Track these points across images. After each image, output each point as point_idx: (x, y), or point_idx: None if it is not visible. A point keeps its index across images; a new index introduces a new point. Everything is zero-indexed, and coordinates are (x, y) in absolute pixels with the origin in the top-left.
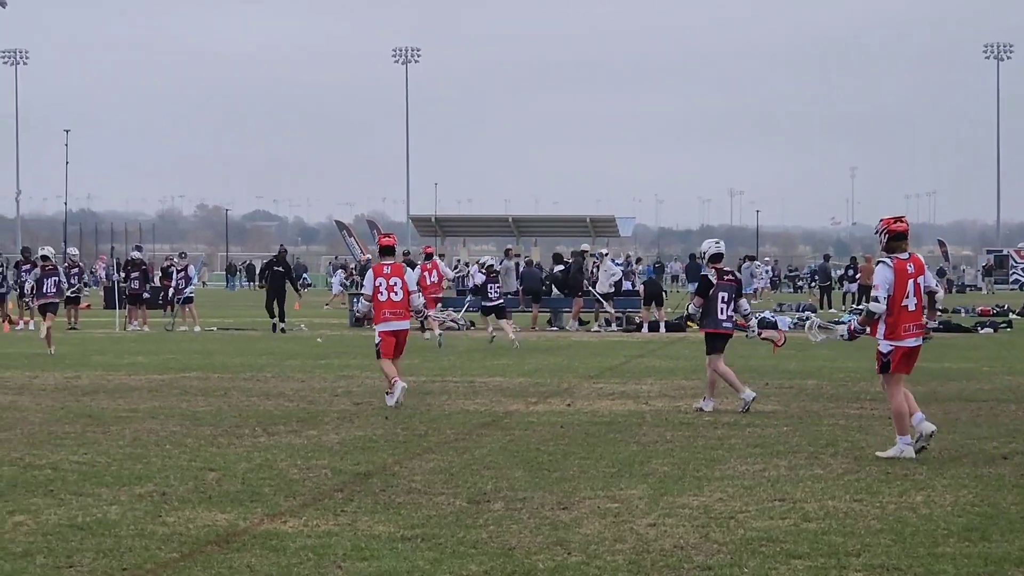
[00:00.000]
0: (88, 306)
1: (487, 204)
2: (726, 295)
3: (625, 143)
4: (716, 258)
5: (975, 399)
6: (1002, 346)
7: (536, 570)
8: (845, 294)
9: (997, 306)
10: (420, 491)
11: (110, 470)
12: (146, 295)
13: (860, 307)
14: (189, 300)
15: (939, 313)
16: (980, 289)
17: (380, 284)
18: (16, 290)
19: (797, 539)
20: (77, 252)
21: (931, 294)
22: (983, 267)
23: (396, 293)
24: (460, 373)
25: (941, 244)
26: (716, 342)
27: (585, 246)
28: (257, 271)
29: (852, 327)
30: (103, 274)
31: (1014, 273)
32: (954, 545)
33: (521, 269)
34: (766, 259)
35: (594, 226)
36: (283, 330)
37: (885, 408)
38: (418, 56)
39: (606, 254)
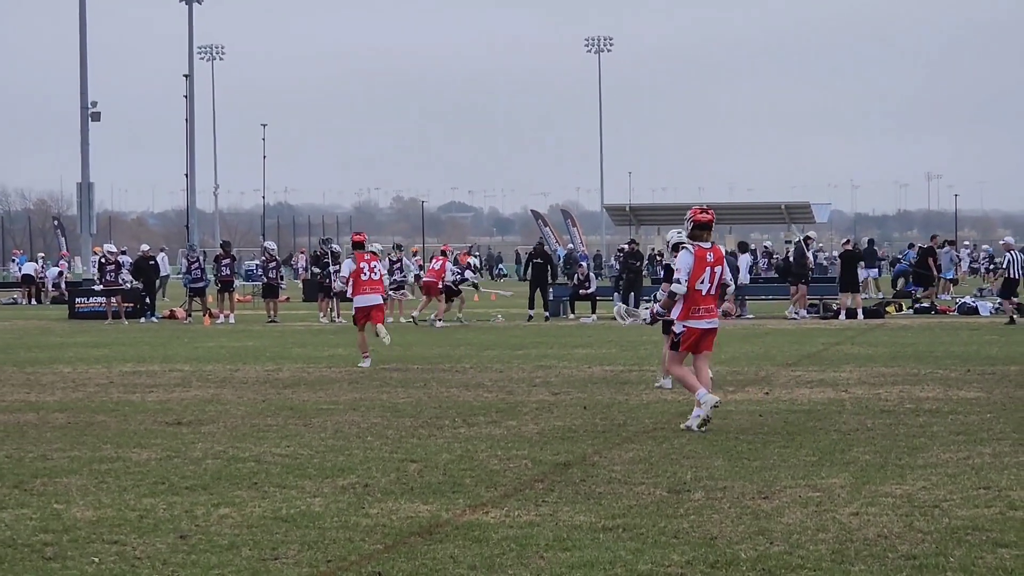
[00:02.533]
0: (287, 299)
1: (681, 192)
2: None
3: (820, 128)
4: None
5: None
6: None
7: (739, 560)
8: None
9: None
10: (620, 481)
11: (313, 462)
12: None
13: None
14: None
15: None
16: None
17: (364, 267)
18: (217, 283)
19: (1003, 527)
20: (275, 246)
21: (724, 286)
22: None
23: (375, 273)
24: (657, 362)
25: None
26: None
27: (811, 233)
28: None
29: (655, 310)
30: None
31: None
32: None
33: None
34: (965, 243)
35: (789, 213)
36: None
37: None
38: (611, 45)
39: (813, 237)
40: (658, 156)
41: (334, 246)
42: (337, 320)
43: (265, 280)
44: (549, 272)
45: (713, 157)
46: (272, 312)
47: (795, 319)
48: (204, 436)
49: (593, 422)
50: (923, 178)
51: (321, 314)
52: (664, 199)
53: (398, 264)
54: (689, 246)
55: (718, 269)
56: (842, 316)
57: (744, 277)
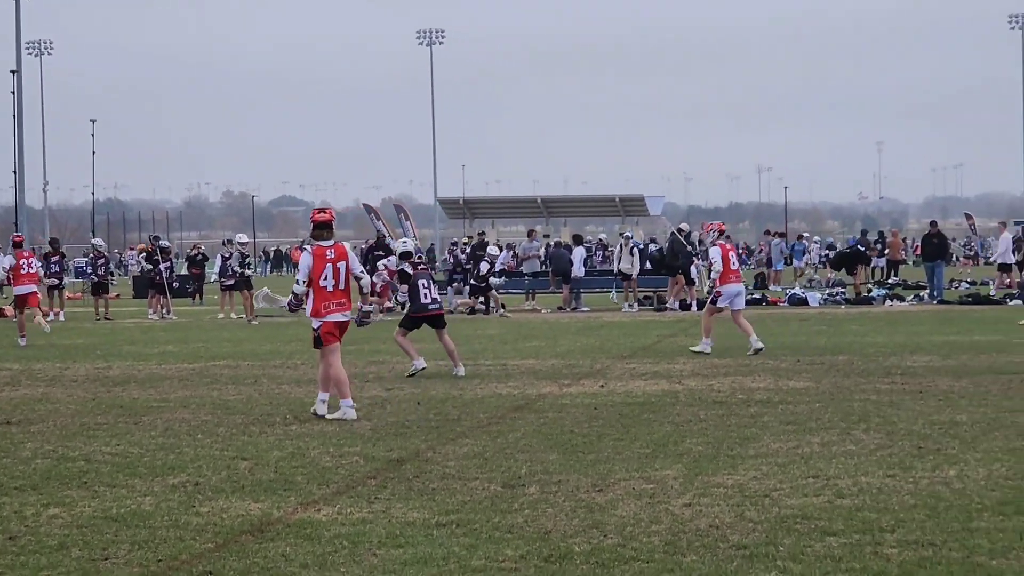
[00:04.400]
0: (117, 296)
1: (515, 186)
2: (425, 282)
3: (653, 123)
4: (406, 255)
5: (1006, 371)
6: None
7: (572, 553)
8: (874, 268)
9: None
10: (454, 476)
11: (143, 461)
12: (176, 284)
13: (889, 281)
14: (233, 287)
15: (374, 297)
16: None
17: (23, 263)
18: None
19: (832, 516)
20: (103, 243)
21: (357, 279)
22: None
23: (32, 268)
24: (492, 356)
25: (968, 217)
26: (417, 322)
27: (683, 225)
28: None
29: (290, 302)
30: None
31: None
32: (988, 519)
33: (550, 251)
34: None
35: (623, 206)
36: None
37: (916, 382)
38: (443, 37)
39: (631, 236)
40: (492, 149)
41: (163, 242)
42: (168, 316)
43: (95, 277)
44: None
45: (548, 150)
46: (103, 310)
47: (675, 310)
48: (33, 435)
49: (427, 417)
50: (754, 171)
51: (151, 311)
52: (498, 192)
53: (229, 259)
54: (308, 247)
55: (341, 265)
56: (675, 307)
57: (579, 270)
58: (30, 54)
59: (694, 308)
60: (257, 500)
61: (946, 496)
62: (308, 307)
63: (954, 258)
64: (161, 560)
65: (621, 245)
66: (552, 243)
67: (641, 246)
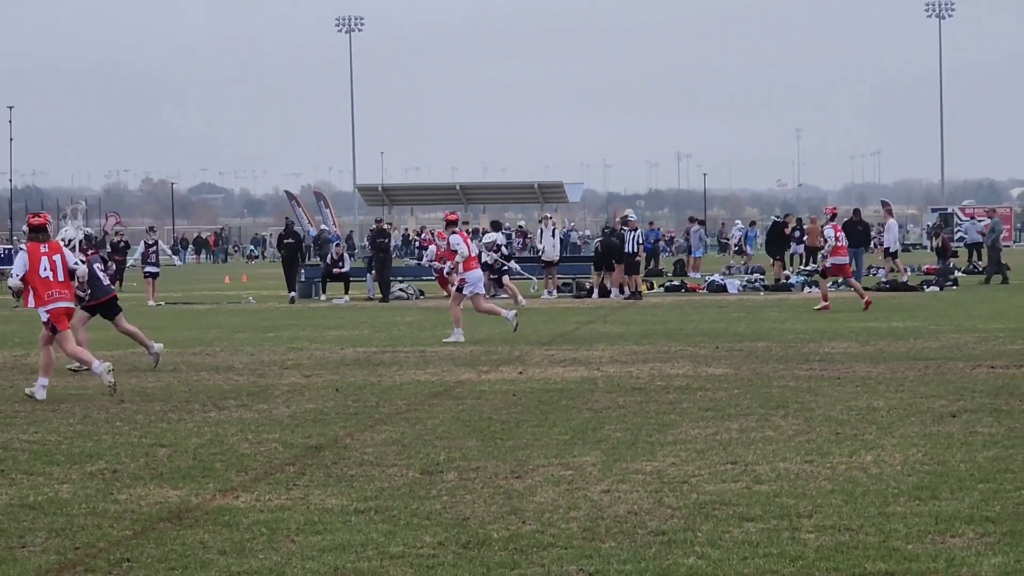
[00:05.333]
0: None
1: (434, 173)
2: (100, 265)
3: (572, 109)
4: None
5: (922, 357)
6: (948, 304)
7: (491, 540)
8: (792, 255)
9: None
10: (372, 463)
11: (61, 448)
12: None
13: (808, 268)
14: (155, 275)
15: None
16: (925, 248)
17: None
18: None
19: (749, 502)
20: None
21: (72, 271)
22: (929, 226)
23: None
24: (411, 343)
25: (884, 204)
26: (94, 310)
27: (629, 211)
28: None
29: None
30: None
31: (959, 231)
32: (904, 504)
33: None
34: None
35: (542, 192)
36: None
37: (834, 369)
38: (361, 24)
39: (551, 218)
40: (411, 136)
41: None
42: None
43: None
44: (300, 253)
45: (467, 137)
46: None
47: (549, 298)
48: None
49: (345, 404)
50: (673, 158)
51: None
52: (417, 179)
53: (153, 247)
54: (23, 245)
55: (56, 258)
56: (595, 294)
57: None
58: None
59: (614, 294)
60: (175, 487)
61: (863, 481)
62: (32, 300)
63: (872, 245)
64: (79, 548)
65: (542, 231)
66: (471, 230)
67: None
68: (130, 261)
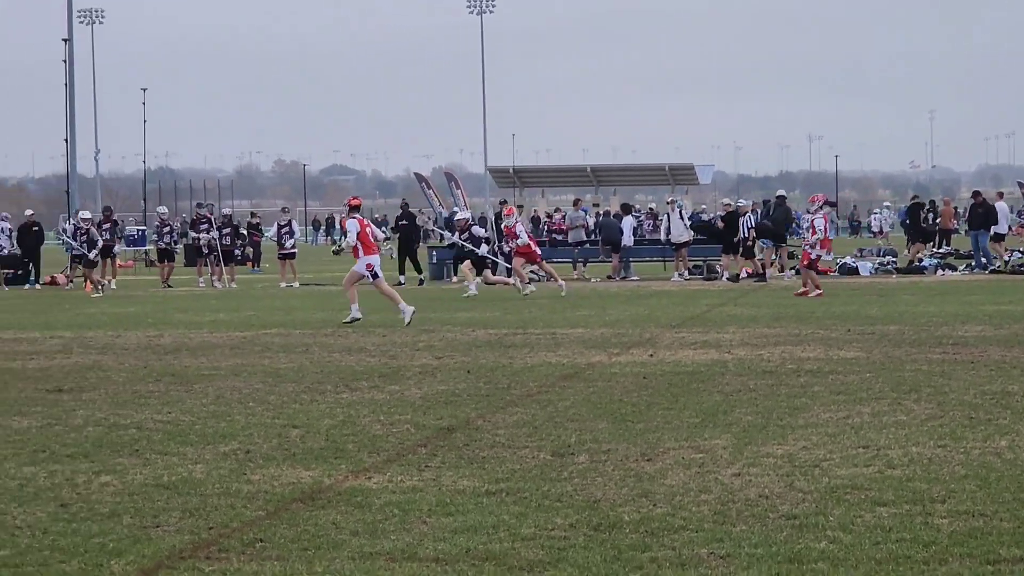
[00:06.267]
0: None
1: (565, 154)
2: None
3: (703, 90)
4: None
5: None
6: None
7: (622, 522)
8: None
9: None
10: (504, 445)
11: (194, 429)
12: (238, 252)
13: (940, 251)
14: (291, 255)
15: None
16: None
17: None
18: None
19: (882, 486)
20: (167, 210)
21: None
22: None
23: None
24: (542, 325)
25: (1021, 185)
26: None
27: (781, 192)
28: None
29: None
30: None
31: None
32: None
33: (599, 220)
34: (886, 204)
35: (673, 174)
36: (421, 281)
37: (967, 352)
38: (493, 6)
39: (678, 201)
40: (542, 118)
41: (225, 210)
42: (216, 285)
43: (162, 245)
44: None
45: (597, 119)
46: (166, 277)
47: (679, 280)
48: (85, 403)
49: (477, 386)
50: (805, 139)
51: (200, 279)
52: (548, 161)
53: (286, 228)
54: None
55: None
56: (724, 277)
57: (628, 239)
58: (81, 22)
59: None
60: (308, 468)
61: (997, 467)
62: None
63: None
64: (212, 528)
65: (668, 214)
66: (602, 212)
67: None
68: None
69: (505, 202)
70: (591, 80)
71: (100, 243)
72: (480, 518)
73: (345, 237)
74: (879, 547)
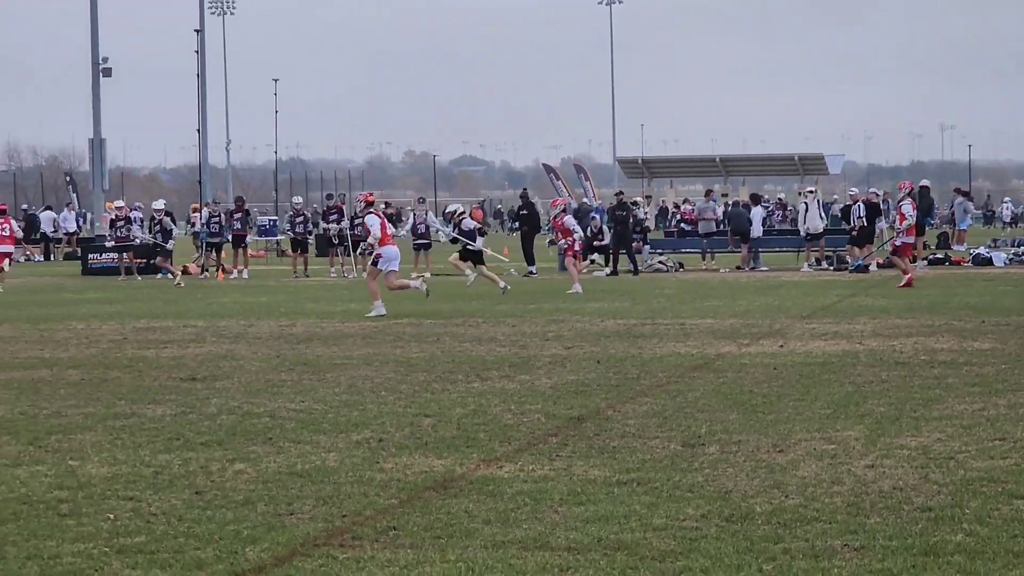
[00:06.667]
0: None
1: (694, 144)
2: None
3: (833, 79)
4: None
5: None
6: None
7: (754, 513)
8: None
9: None
10: (634, 435)
11: (327, 417)
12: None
13: None
14: (427, 246)
15: None
16: None
17: None
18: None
19: (1019, 479)
20: (302, 200)
21: None
22: None
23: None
24: (671, 315)
25: None
26: None
27: (925, 182)
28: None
29: None
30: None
31: None
32: None
33: (729, 210)
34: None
35: (803, 164)
36: (530, 273)
37: None
38: None
39: (813, 192)
40: (670, 108)
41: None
42: (348, 276)
43: (293, 235)
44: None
45: (726, 108)
46: (302, 267)
47: (808, 271)
48: (218, 392)
49: (606, 376)
50: (937, 128)
51: (332, 269)
52: (676, 151)
53: (422, 221)
54: None
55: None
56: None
57: (757, 229)
58: (213, 14)
59: (873, 268)
60: (440, 456)
61: None
62: None
63: None
64: (346, 515)
65: (806, 203)
66: (731, 202)
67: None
68: (401, 232)
69: (621, 193)
70: (720, 69)
71: (175, 232)
72: (611, 508)
73: (370, 234)
74: (1016, 540)
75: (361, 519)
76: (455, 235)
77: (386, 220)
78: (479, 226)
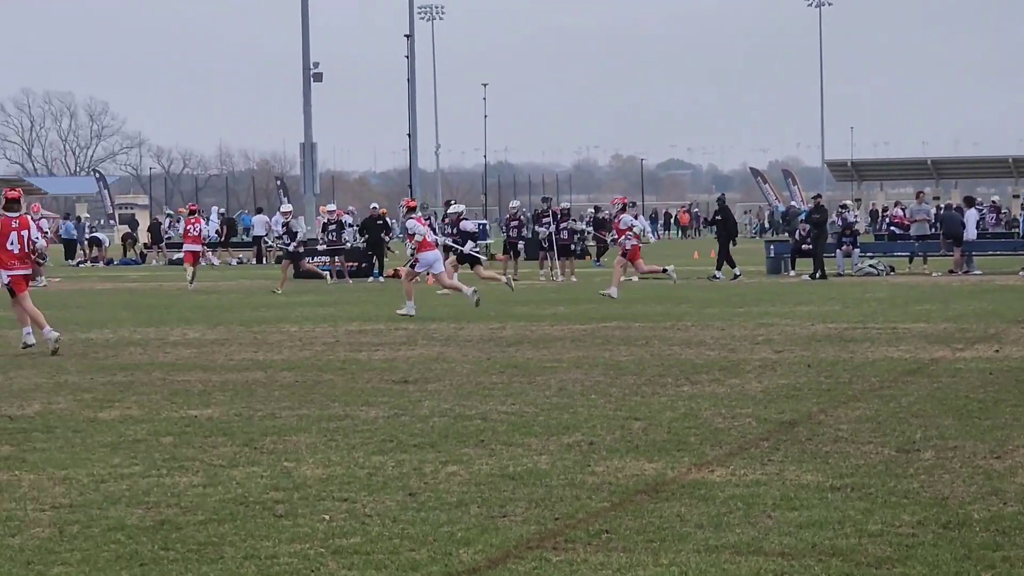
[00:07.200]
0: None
1: (904, 147)
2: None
3: None
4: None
5: None
6: None
7: (971, 520)
8: None
9: None
10: (847, 440)
11: (538, 420)
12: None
13: None
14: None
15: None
16: None
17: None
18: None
19: None
20: (519, 203)
21: (34, 243)
22: None
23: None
24: (882, 320)
25: None
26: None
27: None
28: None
29: None
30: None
31: None
32: None
33: (941, 213)
34: None
35: (1016, 167)
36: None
37: None
38: None
39: None
40: (880, 110)
41: (563, 204)
42: (558, 279)
43: (508, 238)
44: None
45: (937, 110)
46: (512, 271)
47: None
48: (430, 394)
49: (817, 380)
50: None
51: (540, 272)
52: (887, 154)
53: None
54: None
55: (24, 232)
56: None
57: (971, 232)
58: (422, 19)
59: None
60: (651, 460)
61: None
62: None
63: None
64: (558, 518)
65: None
66: (943, 205)
67: None
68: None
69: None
70: (930, 70)
71: (300, 234)
72: (825, 513)
73: (412, 239)
74: None
75: (573, 522)
76: (447, 242)
77: (429, 226)
78: (476, 231)
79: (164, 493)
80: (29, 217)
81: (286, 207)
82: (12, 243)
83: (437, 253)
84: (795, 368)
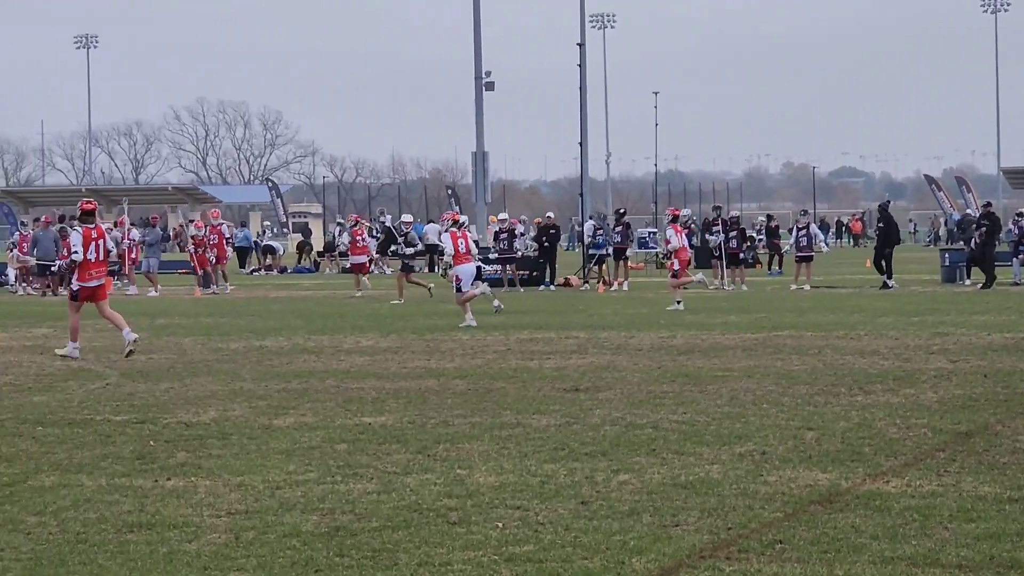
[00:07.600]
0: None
1: None
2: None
3: None
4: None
5: None
6: None
7: None
8: None
9: None
10: None
11: (709, 429)
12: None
13: None
14: (809, 259)
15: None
16: None
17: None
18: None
19: None
20: (690, 212)
21: (108, 252)
22: None
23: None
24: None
25: None
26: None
27: None
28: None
29: (61, 266)
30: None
31: None
32: None
33: None
34: None
35: None
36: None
37: None
38: (1008, 5)
39: None
40: None
41: (733, 213)
42: (727, 288)
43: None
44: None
45: None
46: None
47: None
48: (601, 402)
49: (994, 391)
50: None
51: (717, 280)
52: None
53: (804, 231)
54: (79, 228)
55: (101, 242)
56: None
57: None
58: (594, 27)
59: None
60: (824, 470)
61: None
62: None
63: None
64: (731, 528)
65: None
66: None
67: None
68: (785, 247)
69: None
70: None
71: (420, 245)
72: (1003, 525)
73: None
74: None
75: (746, 532)
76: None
77: (464, 239)
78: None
79: (339, 500)
80: (103, 227)
81: (407, 217)
82: (92, 253)
83: (472, 267)
84: (971, 378)
